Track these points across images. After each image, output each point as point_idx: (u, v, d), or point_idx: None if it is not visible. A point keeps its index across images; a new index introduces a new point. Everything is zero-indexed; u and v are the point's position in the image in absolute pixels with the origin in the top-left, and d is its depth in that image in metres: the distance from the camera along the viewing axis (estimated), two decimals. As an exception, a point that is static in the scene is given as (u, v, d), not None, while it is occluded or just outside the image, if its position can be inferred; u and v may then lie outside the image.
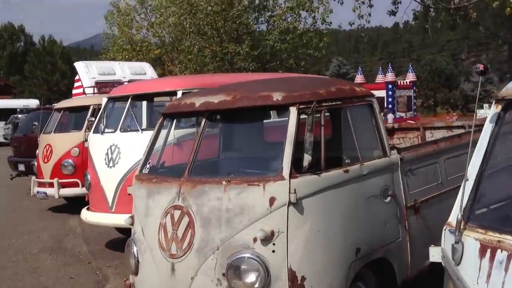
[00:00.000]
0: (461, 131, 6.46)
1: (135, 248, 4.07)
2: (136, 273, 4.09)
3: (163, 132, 4.44)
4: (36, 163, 10.44)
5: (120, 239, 7.75)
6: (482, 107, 28.90)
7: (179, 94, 6.58)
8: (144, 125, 6.86)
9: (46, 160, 10.04)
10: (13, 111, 33.27)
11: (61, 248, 7.45)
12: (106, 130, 7.22)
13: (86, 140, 9.68)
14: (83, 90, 15.13)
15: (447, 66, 57.15)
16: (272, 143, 4.32)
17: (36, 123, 11.47)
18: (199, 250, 3.55)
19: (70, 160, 9.73)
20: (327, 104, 3.70)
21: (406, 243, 4.11)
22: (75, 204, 10.50)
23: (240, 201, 3.46)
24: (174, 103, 4.31)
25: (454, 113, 35.82)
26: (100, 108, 9.92)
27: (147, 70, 17.09)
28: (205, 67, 23.46)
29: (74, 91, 16.11)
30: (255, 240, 3.39)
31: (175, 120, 4.50)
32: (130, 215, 4.25)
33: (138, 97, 7.02)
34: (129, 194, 4.49)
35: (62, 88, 48.40)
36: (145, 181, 4.14)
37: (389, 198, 3.94)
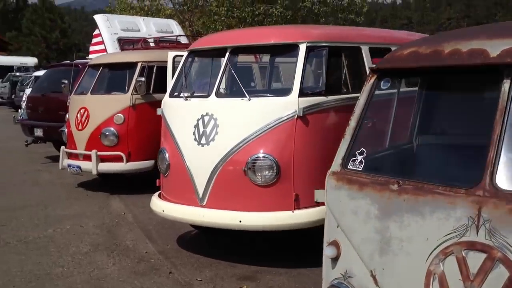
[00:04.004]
0: None
1: (358, 305, 2.33)
2: None
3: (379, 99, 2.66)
4: (66, 130, 8.58)
5: (193, 234, 6.00)
6: None
7: (302, 48, 4.78)
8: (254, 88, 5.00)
9: (80, 127, 8.18)
10: (8, 68, 31.32)
11: (118, 246, 5.67)
12: (184, 94, 5.37)
13: (133, 105, 7.93)
14: (105, 46, 13.49)
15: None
16: None
17: (66, 81, 9.54)
18: None
19: (112, 129, 7.88)
20: None
21: None
22: (110, 181, 8.75)
23: None
24: (411, 51, 2.48)
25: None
26: (150, 66, 8.12)
27: (174, 28, 15.48)
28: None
29: (92, 48, 14.37)
30: None
31: (395, 81, 2.71)
32: (333, 246, 2.49)
33: (237, 50, 5.17)
34: (317, 202, 2.73)
35: (61, 46, 45.78)
36: (369, 186, 2.36)
37: None
